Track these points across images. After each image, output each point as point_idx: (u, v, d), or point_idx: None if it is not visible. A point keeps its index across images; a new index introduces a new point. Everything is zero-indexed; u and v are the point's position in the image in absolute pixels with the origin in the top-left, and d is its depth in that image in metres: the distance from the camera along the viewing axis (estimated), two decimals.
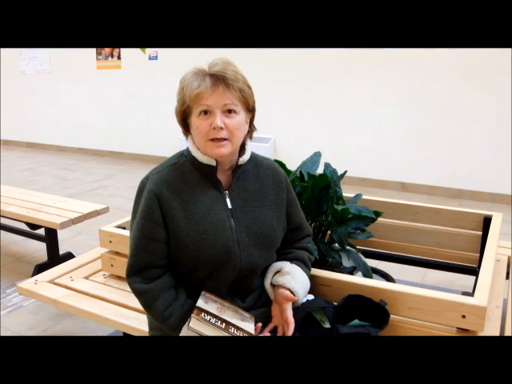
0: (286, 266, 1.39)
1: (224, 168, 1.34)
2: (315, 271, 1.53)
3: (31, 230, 2.97)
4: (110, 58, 6.56)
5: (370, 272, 1.77)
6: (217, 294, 1.33)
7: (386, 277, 2.00)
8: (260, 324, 1.33)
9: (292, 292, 1.35)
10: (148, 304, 1.30)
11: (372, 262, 2.07)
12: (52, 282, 1.99)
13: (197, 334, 1.18)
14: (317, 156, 2.00)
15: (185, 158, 1.35)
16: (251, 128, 1.38)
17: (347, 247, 1.83)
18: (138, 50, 5.38)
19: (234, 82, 1.24)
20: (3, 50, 7.43)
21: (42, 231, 2.95)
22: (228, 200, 1.33)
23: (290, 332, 1.30)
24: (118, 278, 1.99)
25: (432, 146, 4.78)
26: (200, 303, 1.25)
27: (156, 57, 6.16)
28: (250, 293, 1.40)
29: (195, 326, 1.19)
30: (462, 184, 4.72)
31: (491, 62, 4.35)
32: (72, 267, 2.12)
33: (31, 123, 7.59)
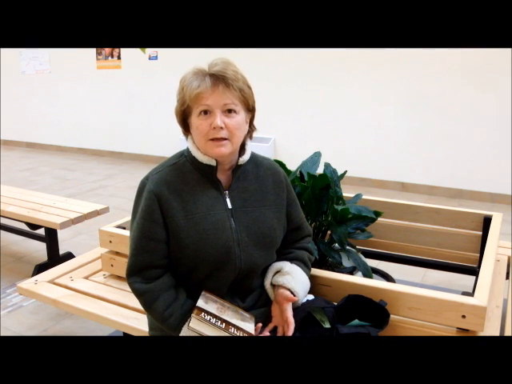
0: (286, 266, 1.39)
1: (224, 168, 1.34)
2: (315, 271, 1.53)
3: (31, 229, 2.97)
4: (109, 58, 6.56)
5: (369, 272, 1.77)
6: (217, 294, 1.33)
7: (386, 277, 2.00)
8: (260, 324, 1.33)
9: (292, 292, 1.35)
10: (148, 304, 1.30)
11: (372, 262, 2.07)
12: (52, 281, 1.99)
13: (197, 334, 1.18)
14: (317, 156, 2.00)
15: (185, 158, 1.35)
16: (251, 128, 1.38)
17: (347, 247, 1.83)
18: (137, 50, 5.38)
19: (234, 81, 1.24)
20: (3, 50, 7.43)
21: (42, 231, 2.95)
22: (228, 200, 1.33)
23: (290, 332, 1.30)
24: (118, 277, 1.99)
25: (432, 146, 4.78)
26: (200, 303, 1.25)
27: (156, 57, 6.16)
28: (250, 293, 1.40)
29: (195, 326, 1.19)
30: (462, 184, 4.72)
31: (491, 61, 4.35)
32: (72, 267, 2.12)
33: (31, 123, 7.59)
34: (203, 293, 1.30)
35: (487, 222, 2.01)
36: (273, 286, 1.39)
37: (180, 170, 1.33)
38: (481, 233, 2.05)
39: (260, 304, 1.40)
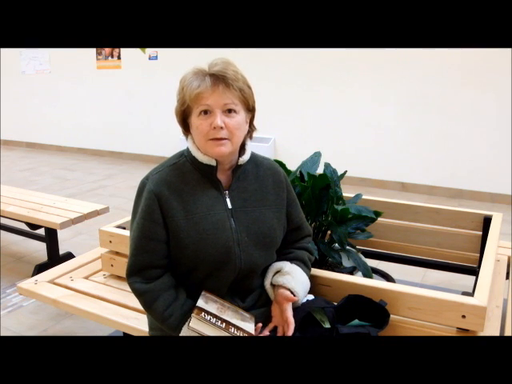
0: (286, 266, 1.39)
1: (224, 168, 1.34)
2: (315, 271, 1.53)
3: (31, 229, 2.97)
4: (109, 58, 6.56)
5: (369, 272, 1.77)
6: (217, 294, 1.33)
7: (386, 277, 2.00)
8: (260, 324, 1.33)
9: (292, 292, 1.35)
10: (148, 304, 1.30)
11: (372, 262, 2.07)
12: (52, 282, 1.99)
13: (197, 334, 1.18)
14: (317, 156, 2.00)
15: (185, 157, 1.35)
16: (251, 128, 1.38)
17: (347, 247, 1.83)
18: (138, 50, 5.38)
19: (234, 81, 1.24)
20: (3, 50, 7.43)
21: (42, 231, 2.95)
22: (228, 200, 1.33)
23: (290, 332, 1.29)
24: (118, 277, 1.99)
25: (432, 145, 4.78)
26: (200, 303, 1.25)
27: (156, 57, 6.16)
28: (250, 293, 1.40)
29: (195, 326, 1.19)
30: (462, 184, 4.73)
31: (491, 62, 4.35)
32: (72, 267, 2.12)
33: (31, 123, 7.59)
34: (203, 293, 1.30)
35: (487, 221, 2.01)
36: (273, 285, 1.39)
37: (180, 169, 1.33)
38: (481, 233, 2.05)
39: (260, 304, 1.40)
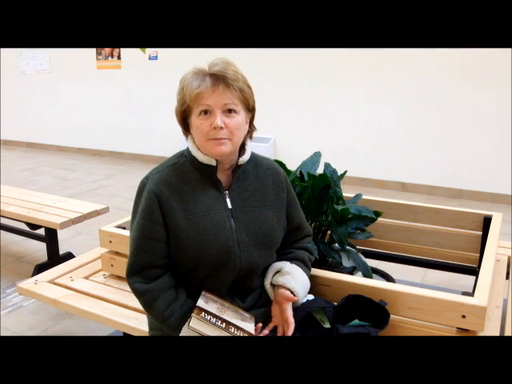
0: (286, 265, 1.39)
1: (224, 168, 1.34)
2: (315, 271, 1.53)
3: (31, 229, 2.97)
4: (109, 58, 6.56)
5: (369, 272, 1.77)
6: (217, 294, 1.33)
7: (386, 277, 2.00)
8: (260, 324, 1.33)
9: (292, 292, 1.35)
10: (148, 304, 1.30)
11: (372, 262, 2.07)
12: (52, 282, 1.99)
13: (197, 334, 1.18)
14: (317, 156, 2.00)
15: (185, 157, 1.35)
16: (251, 128, 1.38)
17: (347, 247, 1.83)
18: (138, 50, 5.38)
19: (234, 81, 1.24)
20: (3, 50, 7.43)
21: (42, 231, 2.95)
22: (228, 200, 1.33)
23: (290, 332, 1.30)
24: (118, 277, 1.99)
25: (432, 145, 4.78)
26: (200, 303, 1.25)
27: (156, 57, 6.16)
28: (250, 293, 1.40)
29: (195, 326, 1.19)
30: (462, 184, 4.73)
31: (491, 62, 4.35)
32: (72, 267, 2.12)
33: (31, 123, 7.59)
34: (203, 293, 1.30)
35: (487, 221, 2.01)
36: (273, 285, 1.39)
37: (180, 169, 1.33)
38: (481, 233, 2.05)
39: (260, 304, 1.40)
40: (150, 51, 6.18)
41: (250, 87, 1.30)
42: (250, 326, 1.28)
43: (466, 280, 2.46)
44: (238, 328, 1.24)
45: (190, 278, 1.33)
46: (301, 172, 1.94)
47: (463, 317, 1.32)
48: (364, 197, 2.12)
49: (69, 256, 3.01)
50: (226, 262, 1.29)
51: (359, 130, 5.10)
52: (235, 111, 1.26)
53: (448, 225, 2.14)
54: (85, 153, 7.11)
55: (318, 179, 1.83)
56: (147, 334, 1.50)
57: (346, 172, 2.04)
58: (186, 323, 1.24)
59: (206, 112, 1.24)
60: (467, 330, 1.35)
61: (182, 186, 1.31)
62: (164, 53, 6.06)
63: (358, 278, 1.52)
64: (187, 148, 1.36)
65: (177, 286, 1.33)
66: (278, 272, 1.39)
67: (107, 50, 6.57)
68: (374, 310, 1.39)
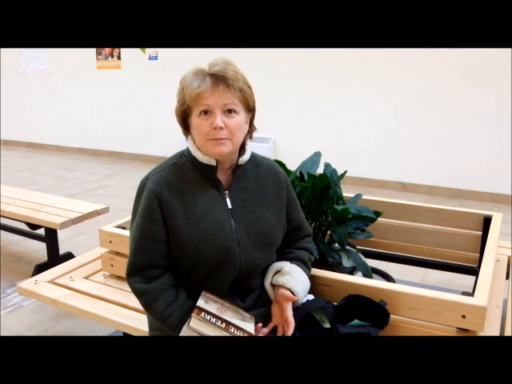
0: (286, 265, 1.39)
1: (224, 168, 1.34)
2: (315, 271, 1.53)
3: (31, 229, 2.97)
4: (110, 58, 6.56)
5: (370, 272, 1.77)
6: (217, 294, 1.33)
7: (386, 277, 2.00)
8: (260, 324, 1.33)
9: (292, 292, 1.35)
10: (148, 304, 1.30)
11: (372, 262, 2.07)
12: (52, 282, 1.99)
13: (197, 334, 1.18)
14: (317, 156, 2.00)
15: (185, 157, 1.35)
16: (251, 128, 1.38)
17: (347, 247, 1.83)
18: (138, 50, 5.38)
19: (235, 81, 1.24)
20: (3, 50, 7.43)
21: (42, 231, 2.95)
22: (228, 200, 1.33)
23: (290, 332, 1.29)
24: (118, 277, 1.99)
25: (432, 145, 4.78)
26: (200, 303, 1.25)
27: (156, 57, 6.16)
28: (250, 293, 1.40)
29: (195, 326, 1.19)
30: (462, 184, 4.73)
31: (491, 61, 4.35)
32: (72, 267, 2.12)
33: (31, 123, 7.59)
34: (203, 293, 1.30)
35: (487, 221, 2.01)
36: (273, 285, 1.39)
37: (180, 169, 1.33)
38: (481, 233, 2.05)
39: (260, 304, 1.40)
40: (149, 51, 6.18)
41: (250, 87, 1.30)
42: (249, 326, 1.28)
43: (466, 280, 2.46)
44: (237, 328, 1.24)
45: (190, 277, 1.33)
46: (301, 172, 1.94)
47: (463, 317, 1.32)
48: (364, 197, 2.12)
49: (69, 256, 3.01)
50: (226, 261, 1.29)
51: (359, 130, 5.10)
52: (235, 111, 1.26)
53: (448, 225, 2.14)
54: (85, 153, 7.11)
55: (318, 179, 1.83)
56: (147, 334, 1.50)
57: (346, 172, 2.04)
58: (186, 323, 1.24)
59: (206, 112, 1.24)
60: (467, 330, 1.35)
61: (182, 185, 1.31)
62: (164, 53, 6.06)
63: (358, 278, 1.52)
64: (187, 148, 1.36)
65: (177, 285, 1.33)
66: (278, 272, 1.39)
67: (107, 50, 6.57)
68: (373, 309, 1.39)
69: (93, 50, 6.65)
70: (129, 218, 1.77)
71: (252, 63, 5.17)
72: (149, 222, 1.28)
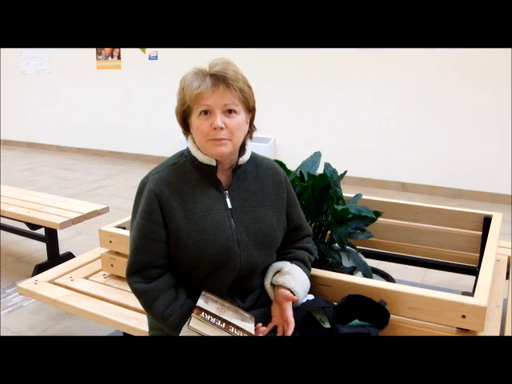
0: (286, 265, 1.39)
1: (224, 168, 1.34)
2: (315, 271, 1.53)
3: (31, 229, 2.97)
4: (110, 58, 6.56)
5: (370, 272, 1.77)
6: (217, 294, 1.33)
7: (386, 277, 2.00)
8: (260, 324, 1.33)
9: (292, 292, 1.35)
10: (148, 304, 1.30)
11: (372, 262, 2.07)
12: (52, 282, 1.99)
13: (197, 334, 1.18)
14: (317, 156, 2.00)
15: (185, 157, 1.35)
16: (251, 128, 1.38)
17: (347, 247, 1.83)
18: (138, 50, 5.38)
19: (235, 81, 1.24)
20: (3, 50, 7.43)
21: (42, 231, 2.95)
22: (228, 200, 1.33)
23: (290, 332, 1.29)
24: (118, 277, 1.99)
25: (432, 145, 4.78)
26: (200, 303, 1.25)
27: (156, 57, 6.16)
28: (250, 293, 1.40)
29: (195, 326, 1.19)
30: (462, 184, 4.73)
31: (491, 62, 4.35)
32: (72, 267, 2.12)
33: (31, 123, 7.59)
34: (203, 293, 1.30)
35: (487, 221, 2.01)
36: (273, 285, 1.39)
37: (180, 169, 1.33)
38: (481, 233, 2.05)
39: (260, 304, 1.40)
40: (149, 51, 6.18)
41: (250, 87, 1.30)
42: (249, 326, 1.28)
43: (466, 280, 2.46)
44: (237, 328, 1.24)
45: (190, 277, 1.33)
46: (301, 172, 1.94)
47: (463, 317, 1.32)
48: (364, 197, 2.12)
49: (69, 256, 3.01)
50: (226, 261, 1.29)
51: (359, 130, 5.10)
52: (235, 111, 1.26)
53: (448, 225, 2.14)
54: (85, 153, 7.11)
55: (318, 179, 1.83)
56: (147, 334, 1.50)
57: (345, 172, 2.04)
58: (186, 323, 1.24)
59: (206, 112, 1.24)
60: (467, 330, 1.35)
61: (182, 185, 1.31)
62: (164, 53, 6.06)
63: (358, 278, 1.52)
64: (187, 148, 1.36)
65: (177, 285, 1.33)
66: (277, 272, 1.39)
67: (107, 50, 6.57)
68: (374, 309, 1.39)
69: (93, 50, 6.65)
70: (129, 218, 1.77)
71: (252, 63, 5.17)
72: (149, 221, 1.28)
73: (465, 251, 2.12)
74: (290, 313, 1.33)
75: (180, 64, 5.38)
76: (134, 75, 6.40)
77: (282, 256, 1.44)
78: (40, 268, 2.83)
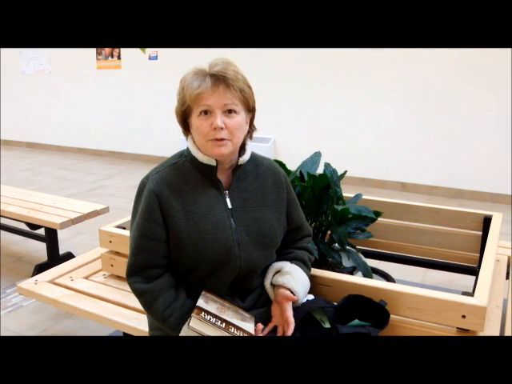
0: (286, 265, 1.39)
1: (224, 168, 1.34)
2: (315, 271, 1.53)
3: (31, 229, 2.97)
4: (109, 58, 6.56)
5: (370, 272, 1.77)
6: (217, 294, 1.33)
7: (386, 277, 2.00)
8: (260, 324, 1.33)
9: (292, 292, 1.35)
10: (148, 304, 1.30)
11: (372, 262, 2.07)
12: (52, 282, 1.99)
13: (197, 334, 1.18)
14: (317, 156, 2.00)
15: (185, 157, 1.35)
16: (251, 128, 1.38)
17: (347, 247, 1.83)
18: (138, 50, 5.38)
19: (235, 81, 1.24)
20: (3, 50, 7.43)
21: (42, 231, 2.95)
22: (228, 200, 1.33)
23: (290, 332, 1.29)
24: (118, 277, 1.99)
25: (432, 145, 4.78)
26: (200, 303, 1.26)
27: (156, 57, 6.16)
28: (250, 293, 1.40)
29: (195, 326, 1.19)
30: (462, 184, 4.73)
31: (491, 62, 4.35)
32: (72, 267, 2.12)
33: (31, 123, 7.59)
34: (203, 293, 1.30)
35: (487, 221, 2.01)
36: (273, 285, 1.39)
37: (180, 169, 1.33)
38: (481, 233, 2.05)
39: (260, 304, 1.40)
40: (149, 51, 6.18)
41: (250, 87, 1.30)
42: (249, 326, 1.29)
43: (466, 280, 2.46)
44: (237, 328, 1.24)
45: (190, 277, 1.33)
46: (301, 172, 1.94)
47: (463, 317, 1.32)
48: (364, 197, 2.12)
49: (69, 256, 3.01)
50: (226, 261, 1.29)
51: (359, 130, 5.10)
52: (235, 111, 1.26)
53: (448, 225, 2.14)
54: (85, 153, 7.11)
55: (318, 179, 1.83)
56: (147, 334, 1.50)
57: (345, 172, 2.04)
58: (186, 323, 1.24)
59: (206, 112, 1.24)
60: (467, 330, 1.35)
61: (182, 185, 1.31)
62: (164, 53, 6.06)
63: (358, 278, 1.52)
64: (187, 148, 1.36)
65: (177, 285, 1.33)
66: (277, 272, 1.39)
67: (107, 50, 6.57)
68: (374, 309, 1.39)
69: (93, 50, 6.65)
70: (129, 218, 1.77)
71: (252, 63, 5.17)
72: (149, 221, 1.28)
73: (465, 251, 2.12)
74: (290, 313, 1.33)
75: (180, 64, 5.38)
76: (133, 75, 6.40)
77: (282, 256, 1.44)
78: (40, 268, 2.83)
